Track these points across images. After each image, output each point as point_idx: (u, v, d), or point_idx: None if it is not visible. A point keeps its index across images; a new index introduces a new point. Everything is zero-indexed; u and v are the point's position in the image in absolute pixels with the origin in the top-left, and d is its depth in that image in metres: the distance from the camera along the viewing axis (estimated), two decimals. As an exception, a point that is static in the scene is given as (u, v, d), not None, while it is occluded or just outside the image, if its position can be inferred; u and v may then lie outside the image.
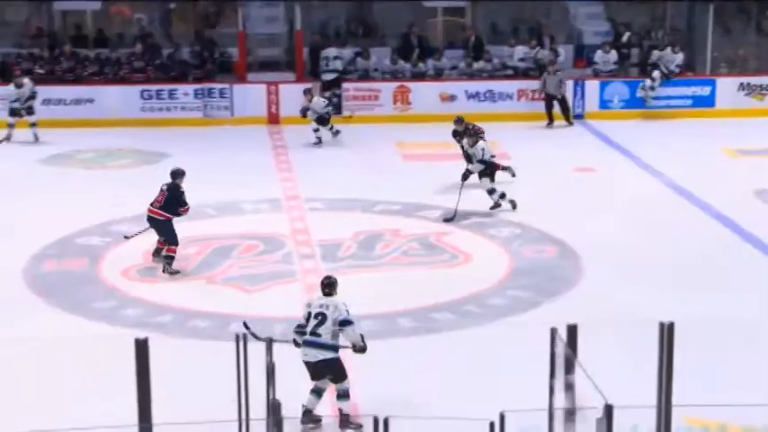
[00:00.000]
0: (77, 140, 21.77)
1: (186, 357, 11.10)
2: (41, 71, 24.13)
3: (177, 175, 14.23)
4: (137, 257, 14.71)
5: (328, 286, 9.72)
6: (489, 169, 16.91)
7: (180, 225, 15.33)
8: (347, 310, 9.57)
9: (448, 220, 16.35)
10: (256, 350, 6.98)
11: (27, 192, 17.73)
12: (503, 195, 16.78)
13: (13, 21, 26.07)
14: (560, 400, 6.83)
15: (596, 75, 24.87)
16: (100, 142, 21.78)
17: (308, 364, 9.53)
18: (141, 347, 5.82)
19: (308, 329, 9.47)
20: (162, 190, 14.15)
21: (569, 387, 6.83)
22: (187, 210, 14.20)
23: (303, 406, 9.47)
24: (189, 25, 26.45)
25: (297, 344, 9.54)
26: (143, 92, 23.80)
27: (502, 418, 6.51)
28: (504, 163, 18.24)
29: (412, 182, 18.30)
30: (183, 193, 14.12)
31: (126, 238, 14.66)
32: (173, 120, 23.55)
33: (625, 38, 26.02)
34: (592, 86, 24.55)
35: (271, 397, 6.46)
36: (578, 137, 22.98)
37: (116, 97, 23.76)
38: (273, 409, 6.12)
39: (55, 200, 17.31)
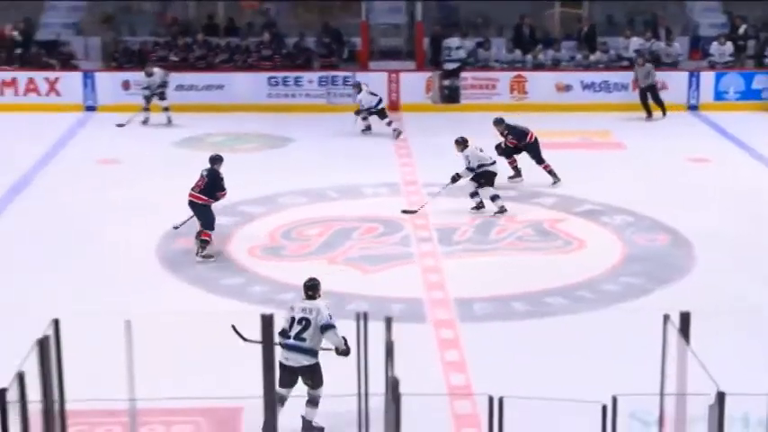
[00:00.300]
0: (208, 124, 22.07)
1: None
2: (176, 58, 24.56)
3: (216, 161, 14.27)
4: (263, 237, 14.87)
5: (311, 289, 9.34)
6: (484, 177, 16.18)
7: (303, 208, 15.51)
8: (330, 314, 9.19)
9: (408, 211, 16.01)
10: (376, 328, 6.99)
11: (161, 172, 18.04)
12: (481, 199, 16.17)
13: (150, 11, 26.54)
14: (672, 386, 6.71)
15: (712, 66, 24.38)
16: (229, 126, 22.04)
17: (288, 368, 9.13)
18: (267, 322, 5.85)
19: (292, 334, 9.08)
20: (202, 176, 14.14)
21: (681, 373, 6.71)
22: (225, 194, 14.18)
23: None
24: (314, 15, 26.58)
25: (280, 345, 9.05)
26: (270, 79, 24.01)
27: (614, 401, 6.43)
28: (550, 166, 17.66)
29: (527, 169, 18.15)
30: (222, 178, 14.14)
31: (175, 228, 14.53)
32: (297, 106, 23.70)
33: (741, 30, 25.42)
34: (707, 78, 24.06)
35: (389, 374, 6.45)
36: (693, 127, 22.56)
37: (245, 84, 24.01)
38: (392, 385, 6.12)
39: (186, 181, 17.51)
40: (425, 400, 7.04)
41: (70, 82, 23.81)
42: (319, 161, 19.13)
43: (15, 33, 24.98)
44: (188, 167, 18.51)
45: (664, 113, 22.96)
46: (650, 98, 22.96)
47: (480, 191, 16.05)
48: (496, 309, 12.37)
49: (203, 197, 14.01)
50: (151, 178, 17.16)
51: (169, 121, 22.05)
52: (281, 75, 24.07)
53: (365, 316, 6.98)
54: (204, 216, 14.04)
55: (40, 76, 23.69)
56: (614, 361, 10.54)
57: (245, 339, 9.24)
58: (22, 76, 23.76)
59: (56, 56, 24.69)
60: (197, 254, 13.97)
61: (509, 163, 17.62)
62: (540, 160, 17.67)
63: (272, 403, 5.86)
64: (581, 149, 20.38)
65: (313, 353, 9.11)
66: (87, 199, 16.42)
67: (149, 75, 22.12)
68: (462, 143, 16.30)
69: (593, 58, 24.67)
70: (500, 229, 15.34)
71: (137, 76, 22.96)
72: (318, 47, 25.25)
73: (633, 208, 16.12)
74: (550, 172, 17.58)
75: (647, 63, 23.10)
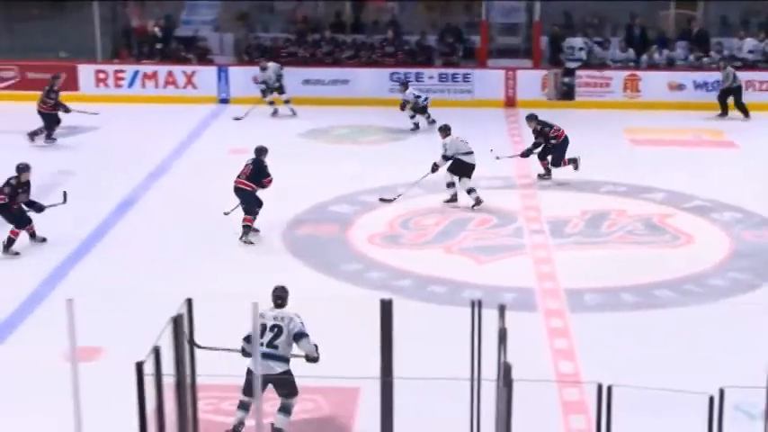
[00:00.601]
0: (333, 117, 22.22)
1: (422, 320, 11.20)
2: (305, 54, 24.83)
3: (261, 152, 14.46)
4: (382, 225, 14.94)
5: (280, 298, 9.02)
6: (459, 168, 15.85)
7: (420, 198, 15.52)
8: (302, 322, 8.90)
9: (386, 200, 15.97)
10: (488, 316, 6.97)
11: (287, 162, 18.18)
12: (471, 190, 15.85)
13: (282, 10, 26.82)
14: (778, 380, 6.56)
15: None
16: (352, 119, 22.16)
17: (261, 376, 8.74)
18: (386, 308, 5.89)
19: (265, 341, 8.69)
20: (247, 164, 14.34)
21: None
22: (271, 181, 14.32)
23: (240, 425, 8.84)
24: (436, 14, 26.58)
25: (245, 353, 8.85)
26: (392, 74, 24.06)
27: (721, 393, 6.32)
28: (569, 155, 17.17)
29: (639, 165, 17.88)
30: (266, 166, 14.33)
31: (225, 214, 14.64)
32: (414, 100, 23.74)
33: None
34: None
35: (502, 359, 6.44)
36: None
37: (368, 79, 24.12)
38: (505, 370, 6.10)
39: (311, 170, 17.72)
40: (535, 386, 6.98)
41: (206, 76, 24.23)
42: (436, 154, 19.08)
43: (157, 30, 25.54)
44: (313, 157, 18.82)
45: (745, 115, 22.35)
46: (733, 100, 22.40)
47: (459, 183, 15.85)
48: (605, 300, 12.25)
49: (249, 183, 14.22)
50: (277, 167, 17.26)
51: (293, 113, 22.26)
52: (402, 71, 24.12)
53: (479, 303, 6.96)
54: (249, 201, 14.24)
55: (178, 70, 24.17)
56: (721, 354, 10.35)
57: (199, 347, 8.15)
58: (162, 70, 24.28)
59: (193, 51, 25.18)
60: (240, 238, 14.15)
61: (542, 164, 17.35)
62: (558, 162, 17.13)
63: (389, 385, 5.89)
64: (692, 147, 19.99)
65: (285, 360, 8.82)
66: (220, 187, 16.66)
67: (264, 69, 22.39)
68: (444, 131, 16.19)
69: (706, 60, 24.17)
70: (610, 222, 15.16)
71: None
72: (439, 44, 25.26)
73: (742, 205, 15.78)
74: (548, 170, 17.31)
75: (729, 66, 22.55)
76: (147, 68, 24.31)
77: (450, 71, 24.17)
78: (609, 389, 6.31)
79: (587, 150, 17.67)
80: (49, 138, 19.46)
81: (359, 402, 9.35)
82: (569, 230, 14.85)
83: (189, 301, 6.55)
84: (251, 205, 14.25)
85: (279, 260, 13.63)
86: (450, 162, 15.91)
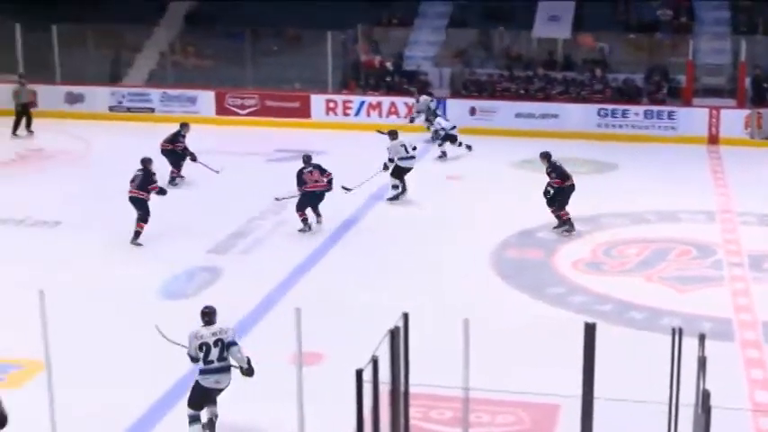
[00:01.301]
0: (542, 148, 21.89)
1: (621, 343, 10.94)
2: (519, 89, 24.82)
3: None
4: (586, 252, 14.71)
5: (208, 315, 8.90)
6: (396, 170, 17.32)
7: (623, 228, 15.20)
8: (234, 332, 8.92)
9: (346, 189, 16.78)
10: (687, 344, 6.75)
11: (499, 189, 18.19)
12: (402, 189, 17.43)
13: (498, 47, 26.82)
14: None
15: None
16: (560, 151, 21.82)
17: (215, 390, 8.83)
18: (590, 330, 5.79)
19: (215, 357, 8.73)
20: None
21: None
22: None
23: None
24: (644, 53, 26.07)
25: (194, 360, 8.88)
26: (600, 110, 23.75)
27: None
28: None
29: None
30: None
31: (277, 200, 16.05)
32: (624, 135, 23.29)
33: None
34: None
35: (701, 386, 6.22)
36: None
37: (577, 114, 23.86)
38: (704, 397, 5.89)
39: (519, 197, 17.65)
40: (731, 414, 6.71)
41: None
42: (641, 187, 18.70)
43: (389, 65, 26.12)
44: (522, 186, 18.71)
45: None
46: None
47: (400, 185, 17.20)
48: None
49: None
50: (489, 194, 17.27)
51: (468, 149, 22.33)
52: (610, 107, 23.78)
53: (680, 331, 6.76)
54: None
55: (400, 101, 24.51)
56: None
57: (168, 340, 9.20)
58: (386, 101, 24.71)
59: (414, 84, 25.50)
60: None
61: (556, 214, 15.60)
62: (563, 206, 15.56)
63: (590, 404, 5.78)
64: None
65: (231, 368, 8.88)
66: (435, 210, 16.78)
67: (417, 101, 23.01)
68: (391, 135, 17.59)
69: None
70: (811, 259, 14.45)
71: (482, 104, 23.50)
72: (646, 83, 24.76)
73: None
74: (567, 221, 15.54)
75: None
76: (373, 99, 24.77)
77: (656, 108, 23.63)
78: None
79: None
80: (174, 181, 18.57)
81: (558, 419, 9.20)
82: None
83: (405, 315, 6.61)
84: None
85: (486, 280, 13.60)
86: (390, 164, 17.28)
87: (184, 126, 18.97)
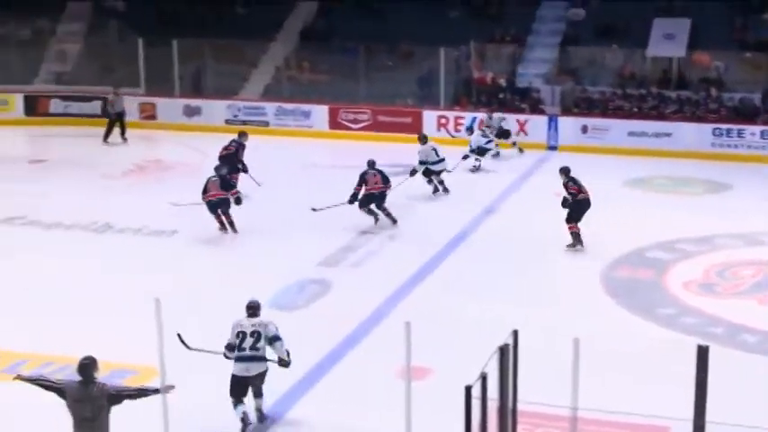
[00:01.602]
0: (655, 167, 21.75)
1: (732, 366, 10.68)
2: (632, 107, 24.50)
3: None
4: (698, 273, 14.43)
5: (252, 308, 9.44)
6: (426, 172, 18.73)
7: (738, 250, 14.89)
8: (276, 328, 9.38)
9: (315, 209, 16.68)
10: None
11: (611, 207, 17.91)
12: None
13: (611, 66, 26.52)
14: None
15: None
16: (673, 171, 21.60)
17: (245, 378, 9.27)
18: (702, 353, 5.70)
19: (247, 346, 9.25)
20: (375, 173, 16.46)
21: None
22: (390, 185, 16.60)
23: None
24: (763, 72, 25.45)
25: (227, 357, 9.36)
26: (714, 129, 23.28)
27: None
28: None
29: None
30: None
31: (314, 210, 16.51)
32: (739, 156, 22.78)
33: None
34: None
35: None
36: None
37: (691, 133, 23.42)
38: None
39: (632, 216, 17.44)
40: None
41: (537, 124, 24.40)
42: (756, 207, 18.27)
43: (502, 81, 26.08)
44: (634, 204, 18.47)
45: None
46: None
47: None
48: None
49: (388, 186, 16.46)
50: (601, 212, 17.03)
51: (520, 151, 23.35)
52: (725, 126, 23.30)
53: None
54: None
55: (511, 118, 24.39)
56: None
57: (189, 348, 9.58)
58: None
59: (527, 101, 25.40)
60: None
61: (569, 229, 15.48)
62: (574, 220, 15.40)
63: (701, 428, 5.68)
64: None
65: (265, 359, 9.33)
66: (544, 226, 16.66)
67: (491, 117, 23.30)
68: (422, 139, 19.07)
69: None
70: None
71: (595, 122, 23.33)
72: (763, 102, 24.16)
73: None
74: (575, 235, 15.38)
75: None
76: (484, 115, 24.74)
77: (774, 128, 23.09)
78: None
79: None
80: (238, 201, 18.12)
81: (667, 441, 9.04)
82: None
83: (515, 333, 6.61)
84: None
85: (596, 299, 13.46)
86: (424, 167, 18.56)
87: (243, 135, 19.45)
